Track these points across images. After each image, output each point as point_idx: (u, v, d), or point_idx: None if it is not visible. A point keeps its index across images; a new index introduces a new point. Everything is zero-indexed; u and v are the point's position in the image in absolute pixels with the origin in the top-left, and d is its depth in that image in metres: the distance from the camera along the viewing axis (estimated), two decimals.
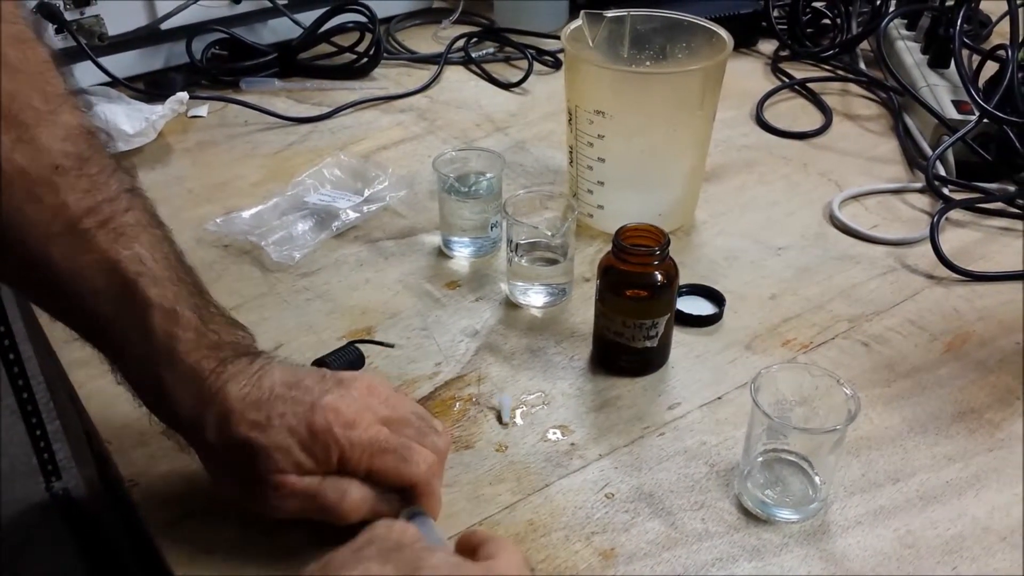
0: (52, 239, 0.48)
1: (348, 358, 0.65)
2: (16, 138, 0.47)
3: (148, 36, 1.04)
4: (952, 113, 0.92)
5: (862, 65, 1.11)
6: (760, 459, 0.58)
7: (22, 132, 0.47)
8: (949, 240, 0.80)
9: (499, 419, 0.63)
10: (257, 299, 0.74)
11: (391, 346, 0.68)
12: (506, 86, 1.08)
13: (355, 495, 0.51)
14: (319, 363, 0.64)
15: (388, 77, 1.10)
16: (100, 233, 0.49)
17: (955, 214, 0.85)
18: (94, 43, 0.99)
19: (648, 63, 0.82)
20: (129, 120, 0.92)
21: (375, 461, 0.51)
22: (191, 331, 0.50)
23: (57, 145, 0.49)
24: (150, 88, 1.02)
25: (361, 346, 0.67)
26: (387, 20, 1.20)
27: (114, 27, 1.00)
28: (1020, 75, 0.88)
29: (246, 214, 0.82)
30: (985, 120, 0.88)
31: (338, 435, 0.50)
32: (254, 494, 0.50)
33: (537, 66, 1.11)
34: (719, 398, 0.65)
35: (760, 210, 0.86)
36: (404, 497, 0.52)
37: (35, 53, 0.50)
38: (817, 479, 0.57)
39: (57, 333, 0.69)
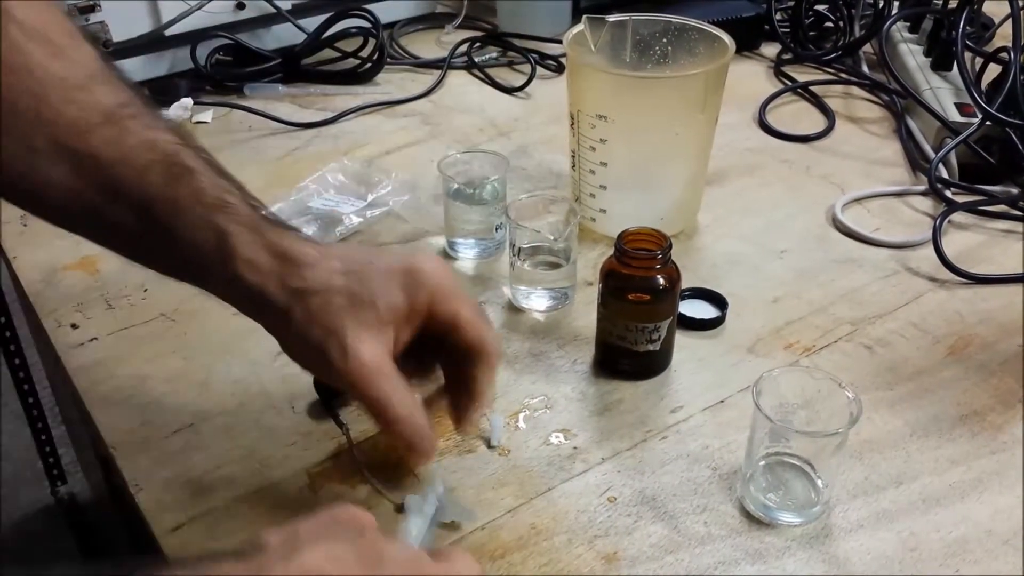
0: (93, 130, 0.51)
1: None
2: (51, 52, 0.51)
3: (152, 42, 1.05)
4: (955, 116, 0.92)
5: (865, 68, 1.11)
6: (762, 462, 0.58)
7: (55, 49, 0.51)
8: (952, 243, 0.80)
9: (488, 444, 0.62)
10: None
11: None
12: (509, 90, 1.08)
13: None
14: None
15: (391, 82, 1.10)
16: (133, 122, 0.52)
17: (958, 217, 0.84)
18: (99, 49, 0.99)
19: (650, 67, 0.82)
20: None
21: None
22: (236, 193, 0.52)
23: (90, 61, 0.53)
24: (155, 94, 1.02)
25: None
26: (390, 25, 1.20)
27: (119, 33, 1.01)
28: (1023, 78, 0.88)
29: None
30: (988, 123, 0.88)
31: None
32: None
33: (540, 70, 1.12)
34: (721, 401, 0.65)
35: (762, 213, 0.86)
36: None
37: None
38: (819, 482, 0.57)
39: (62, 338, 0.69)
